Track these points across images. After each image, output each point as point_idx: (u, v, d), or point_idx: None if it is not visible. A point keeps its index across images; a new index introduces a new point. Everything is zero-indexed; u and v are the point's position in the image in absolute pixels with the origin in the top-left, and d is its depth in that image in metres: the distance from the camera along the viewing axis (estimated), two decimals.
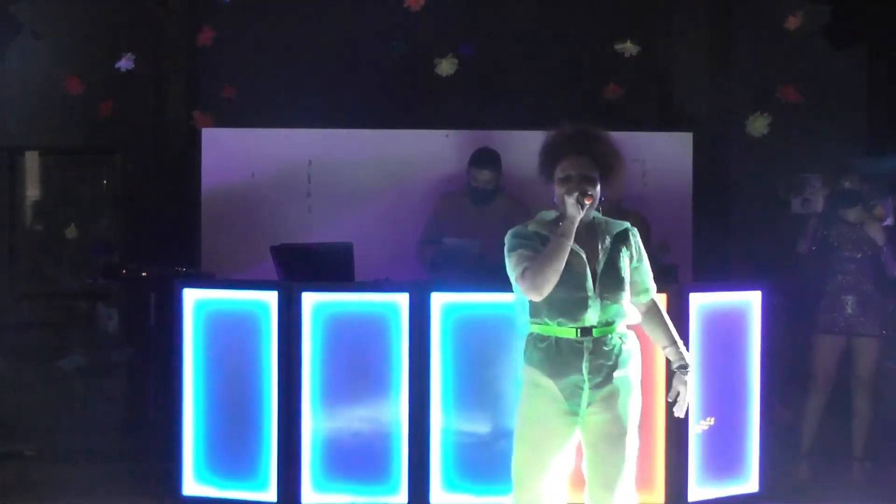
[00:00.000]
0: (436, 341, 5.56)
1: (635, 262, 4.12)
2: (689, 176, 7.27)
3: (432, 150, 7.17)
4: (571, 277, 3.95)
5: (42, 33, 7.92)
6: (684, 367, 4.14)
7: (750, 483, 5.90)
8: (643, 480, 5.59)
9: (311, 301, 5.62)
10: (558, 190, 4.00)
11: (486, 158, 6.58)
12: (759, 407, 5.90)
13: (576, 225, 3.92)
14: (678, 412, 4.16)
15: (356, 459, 5.59)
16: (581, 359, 3.95)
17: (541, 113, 7.55)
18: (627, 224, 4.14)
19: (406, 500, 5.58)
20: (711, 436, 5.75)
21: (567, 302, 3.95)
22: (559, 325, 3.96)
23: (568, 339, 3.96)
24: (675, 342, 4.19)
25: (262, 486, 5.65)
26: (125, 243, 7.99)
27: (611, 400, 3.98)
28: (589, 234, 4.04)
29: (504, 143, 6.83)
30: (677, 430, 5.62)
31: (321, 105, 7.59)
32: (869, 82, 7.98)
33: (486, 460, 5.49)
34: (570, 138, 4.04)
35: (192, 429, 5.77)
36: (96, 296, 7.92)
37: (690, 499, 5.67)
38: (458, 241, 6.18)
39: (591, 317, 3.96)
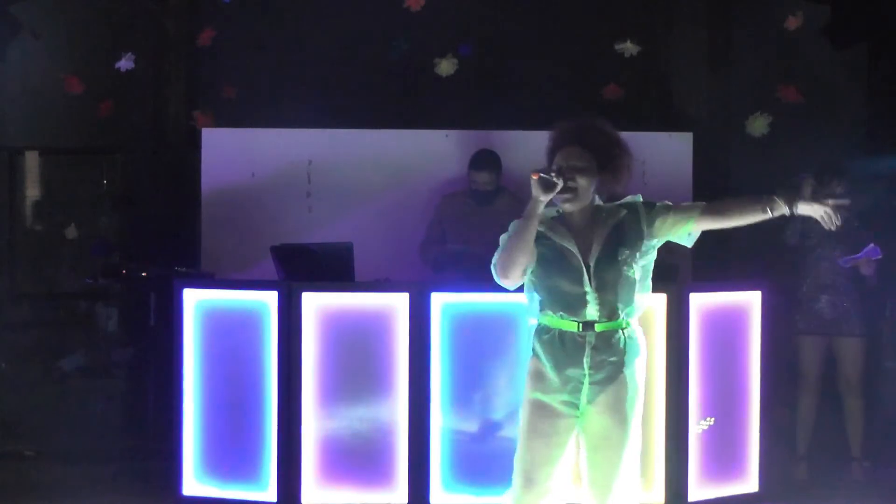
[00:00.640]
0: (436, 341, 5.56)
1: (659, 218, 3.97)
2: (689, 176, 7.27)
3: (432, 150, 7.17)
4: (569, 272, 3.92)
5: (42, 33, 7.92)
6: (792, 195, 3.99)
7: (750, 483, 5.90)
8: (642, 480, 5.60)
9: (311, 301, 5.62)
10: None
11: (484, 161, 6.59)
12: (758, 407, 5.90)
13: (538, 206, 3.83)
14: (836, 216, 3.98)
15: (356, 459, 5.59)
16: (583, 353, 3.91)
17: (541, 113, 7.53)
18: (631, 201, 4.01)
19: (406, 500, 5.58)
20: (711, 436, 5.75)
21: (567, 296, 3.93)
22: (561, 317, 3.94)
23: (570, 333, 3.93)
24: (763, 198, 4.02)
25: (262, 486, 5.65)
26: (125, 243, 7.98)
27: (613, 401, 3.93)
28: (588, 226, 3.97)
29: (504, 143, 6.83)
30: (677, 430, 5.62)
31: (321, 105, 7.59)
32: (869, 82, 7.98)
33: (486, 460, 5.49)
34: (564, 130, 4.00)
35: (192, 429, 5.77)
36: (96, 296, 7.92)
37: (690, 499, 5.67)
38: (461, 249, 6.19)
39: (592, 312, 3.92)
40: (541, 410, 3.96)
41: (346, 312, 5.67)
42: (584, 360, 3.92)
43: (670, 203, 4.05)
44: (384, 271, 6.15)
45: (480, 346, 5.57)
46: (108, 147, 8.20)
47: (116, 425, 7.35)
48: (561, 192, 3.88)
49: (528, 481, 3.94)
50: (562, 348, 3.93)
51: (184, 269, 6.59)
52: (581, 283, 3.92)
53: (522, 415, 4.01)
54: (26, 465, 6.84)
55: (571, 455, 4.00)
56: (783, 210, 4.00)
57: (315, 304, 5.63)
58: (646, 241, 4.00)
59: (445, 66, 7.21)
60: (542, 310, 4.00)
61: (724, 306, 5.88)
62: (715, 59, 7.94)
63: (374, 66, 7.76)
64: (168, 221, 7.61)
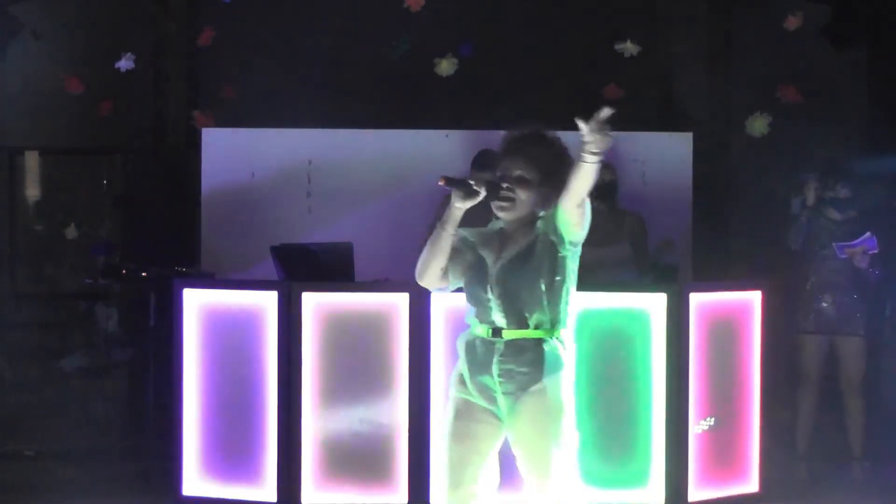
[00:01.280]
0: (436, 341, 5.56)
1: (557, 221, 3.84)
2: (689, 176, 7.26)
3: (432, 150, 7.17)
4: (479, 278, 3.91)
5: (42, 33, 7.92)
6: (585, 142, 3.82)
7: (750, 483, 5.89)
8: (643, 480, 5.60)
9: (311, 301, 5.62)
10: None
11: (486, 161, 6.58)
12: (758, 407, 5.90)
13: (454, 213, 3.83)
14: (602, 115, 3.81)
15: (356, 459, 5.59)
16: (492, 360, 3.87)
17: (541, 113, 7.53)
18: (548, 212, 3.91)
19: (406, 500, 5.58)
20: (711, 436, 5.75)
21: (478, 301, 3.92)
22: (477, 323, 3.93)
23: (482, 338, 3.91)
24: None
25: (262, 486, 5.65)
26: (125, 243, 7.98)
27: (533, 415, 3.83)
28: (515, 237, 3.93)
29: None
30: (677, 430, 5.62)
31: (321, 105, 7.59)
32: (869, 82, 7.98)
33: None
34: (512, 140, 3.98)
35: (192, 429, 5.77)
36: (96, 296, 7.92)
37: (690, 499, 5.67)
38: None
39: (498, 319, 3.88)
40: (462, 413, 3.90)
41: (346, 312, 5.67)
42: (493, 367, 3.86)
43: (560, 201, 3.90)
44: (384, 271, 6.15)
45: None
46: (108, 147, 8.20)
47: (116, 425, 7.35)
48: (498, 200, 3.87)
49: (455, 482, 3.88)
50: (474, 352, 3.91)
51: (184, 269, 6.59)
52: (485, 290, 3.89)
53: (445, 415, 3.96)
54: (26, 465, 6.84)
55: (495, 463, 3.93)
56: (584, 156, 3.82)
57: (315, 304, 5.63)
58: (559, 247, 3.88)
59: (445, 66, 7.22)
60: (468, 314, 4.01)
61: (724, 306, 5.88)
62: (715, 59, 7.94)
63: (374, 66, 7.76)
64: (168, 221, 7.61)
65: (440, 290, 4.04)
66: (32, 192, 8.41)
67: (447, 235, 3.89)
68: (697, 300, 5.71)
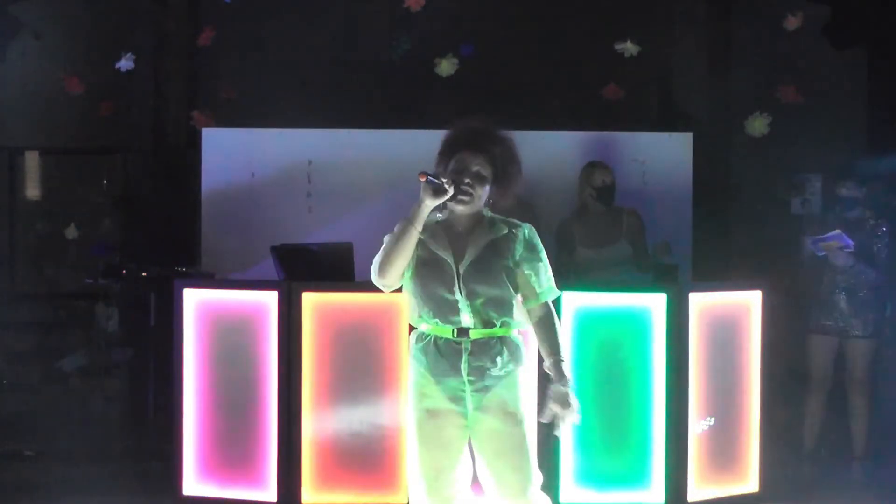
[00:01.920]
0: None
1: (521, 264, 3.92)
2: (689, 176, 7.26)
3: (432, 151, 7.12)
4: (441, 278, 3.87)
5: (42, 33, 7.92)
6: (560, 380, 3.86)
7: (750, 483, 5.90)
8: (643, 480, 5.61)
9: (311, 301, 5.62)
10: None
11: None
12: (758, 407, 5.90)
13: (423, 210, 3.82)
14: (557, 431, 3.88)
15: (356, 459, 5.59)
16: (460, 360, 3.86)
17: (541, 113, 7.55)
18: (519, 224, 3.98)
19: (406, 500, 5.57)
20: (711, 436, 5.75)
21: (439, 302, 3.88)
22: (437, 324, 3.89)
23: (446, 339, 3.88)
24: (557, 354, 3.90)
25: (262, 486, 5.65)
26: (125, 243, 7.98)
27: (501, 403, 3.86)
28: (469, 234, 3.94)
29: None
30: (677, 430, 5.62)
31: (321, 105, 7.59)
32: (869, 82, 7.98)
33: None
34: (471, 133, 3.97)
35: (192, 429, 5.77)
36: (96, 296, 7.92)
37: (690, 499, 5.67)
38: None
39: (465, 318, 3.87)
40: (429, 419, 3.89)
41: (346, 312, 5.67)
42: (462, 366, 3.85)
43: (535, 269, 3.95)
44: None
45: None
46: (108, 147, 8.20)
47: (116, 425, 7.35)
48: (457, 196, 3.86)
49: (432, 490, 3.86)
50: (438, 355, 3.88)
51: (184, 269, 6.59)
52: (452, 290, 3.87)
53: (412, 425, 3.93)
54: (26, 465, 6.83)
55: (468, 461, 3.93)
56: (550, 376, 3.89)
57: (315, 305, 5.63)
58: (512, 268, 3.93)
59: (445, 66, 7.21)
60: (418, 314, 3.96)
61: (724, 306, 5.88)
62: (715, 59, 7.93)
63: (374, 66, 7.76)
64: (168, 221, 7.61)
65: (392, 289, 3.96)
66: (32, 192, 8.41)
67: (415, 232, 3.86)
68: (697, 300, 5.72)
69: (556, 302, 4.11)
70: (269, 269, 6.09)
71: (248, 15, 7.77)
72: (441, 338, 3.89)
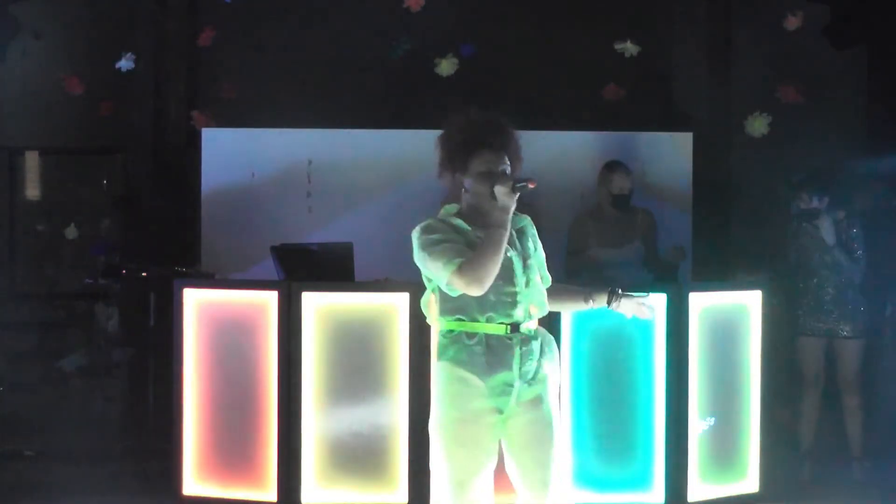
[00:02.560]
0: (436, 341, 5.54)
1: (535, 251, 4.02)
2: (689, 176, 7.26)
3: (432, 151, 7.14)
4: (501, 273, 3.84)
5: (42, 33, 7.92)
6: (616, 290, 4.05)
7: (750, 483, 5.90)
8: (643, 480, 5.61)
9: (311, 301, 5.62)
10: (476, 183, 3.90)
11: None
12: (758, 407, 5.90)
13: (510, 215, 3.82)
14: (651, 313, 4.05)
15: (356, 459, 5.59)
16: (512, 356, 3.85)
17: (541, 113, 7.55)
18: (525, 217, 4.04)
19: (406, 500, 5.58)
20: (711, 436, 5.75)
21: (499, 296, 3.85)
22: (488, 320, 3.86)
23: (498, 336, 3.85)
24: (588, 289, 4.08)
25: (262, 486, 5.65)
26: (125, 243, 7.98)
27: (536, 398, 3.88)
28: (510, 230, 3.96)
29: None
30: (677, 430, 5.62)
31: (321, 105, 7.59)
32: (869, 82, 7.98)
33: None
34: (487, 131, 3.99)
35: (192, 429, 5.77)
36: (96, 296, 7.92)
37: (690, 499, 5.67)
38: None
39: (520, 312, 3.88)
40: (464, 421, 3.86)
41: (346, 312, 5.67)
42: (514, 362, 3.85)
43: (542, 260, 4.05)
44: (384, 271, 6.14)
45: None
46: (108, 147, 8.19)
47: (116, 425, 7.35)
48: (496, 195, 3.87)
49: (461, 491, 3.84)
50: (491, 354, 3.84)
51: (184, 269, 6.59)
52: (514, 283, 3.88)
53: (444, 426, 3.89)
54: (26, 465, 6.83)
55: (495, 459, 3.93)
56: (601, 304, 4.05)
57: (315, 304, 5.63)
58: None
59: (445, 66, 7.22)
60: (462, 314, 3.88)
61: (724, 306, 5.88)
62: (715, 59, 7.93)
63: (374, 66, 7.76)
64: (168, 221, 7.61)
65: (478, 293, 3.87)
66: (32, 192, 8.40)
67: (506, 237, 3.82)
68: (697, 300, 5.71)
69: None
70: (269, 269, 6.09)
71: (248, 15, 7.77)
72: (493, 335, 3.86)
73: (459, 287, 3.80)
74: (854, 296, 6.42)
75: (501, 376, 3.85)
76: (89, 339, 8.03)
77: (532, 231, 4.04)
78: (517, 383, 3.85)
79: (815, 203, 6.38)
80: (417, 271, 6.64)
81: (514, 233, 3.95)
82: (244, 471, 5.70)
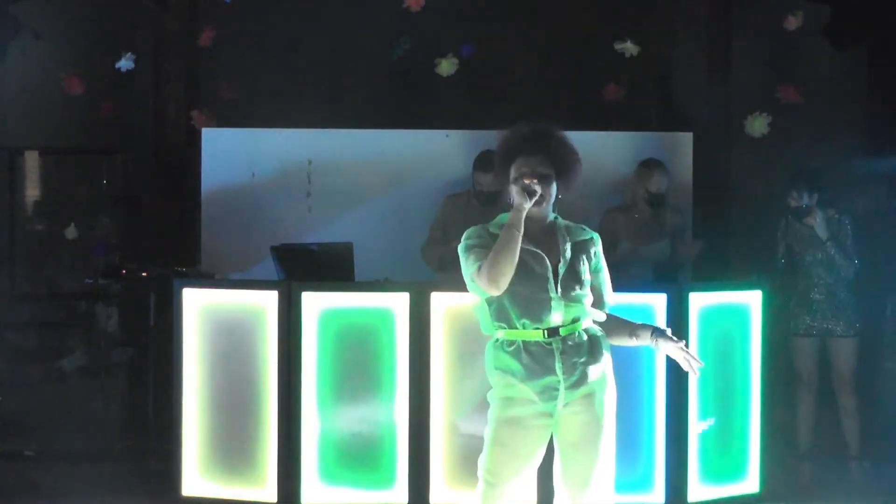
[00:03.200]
0: (436, 341, 5.56)
1: (597, 271, 4.07)
2: (689, 176, 7.26)
3: (432, 151, 7.17)
4: (533, 278, 3.91)
5: (42, 33, 7.92)
6: (660, 330, 4.05)
7: (750, 483, 5.90)
8: (643, 480, 5.61)
9: (311, 301, 5.62)
10: (512, 191, 3.95)
11: (487, 162, 6.58)
12: (758, 407, 5.90)
13: (523, 214, 3.85)
14: (696, 366, 4.02)
15: (356, 459, 5.60)
16: (553, 359, 3.90)
17: (541, 113, 7.53)
18: (592, 233, 4.11)
19: (406, 500, 5.58)
20: (711, 436, 5.75)
21: (531, 302, 3.91)
22: (524, 326, 3.91)
23: (536, 342, 3.91)
24: (636, 324, 4.09)
25: (262, 486, 5.65)
26: (125, 243, 7.98)
27: (588, 399, 3.94)
28: (548, 235, 4.00)
29: None
30: (677, 430, 5.62)
31: (321, 105, 7.59)
32: (869, 82, 7.98)
33: None
34: (524, 138, 4.00)
35: (192, 429, 5.77)
36: (96, 296, 7.92)
37: (690, 499, 5.67)
38: None
39: (556, 318, 3.91)
40: (512, 426, 3.92)
41: (346, 312, 5.67)
42: (556, 366, 3.90)
43: (604, 277, 4.12)
44: (384, 271, 6.15)
45: (481, 346, 5.54)
46: (108, 147, 8.19)
47: (116, 425, 7.35)
48: (537, 197, 3.90)
49: (494, 487, 3.93)
50: (531, 359, 3.90)
51: (184, 269, 6.59)
52: (546, 289, 3.91)
53: (492, 426, 3.96)
54: (26, 465, 6.83)
55: (539, 460, 3.99)
56: (647, 342, 4.05)
57: (315, 304, 5.63)
58: (591, 272, 4.06)
59: (445, 66, 7.21)
60: (502, 321, 3.95)
61: (724, 306, 5.88)
62: (715, 59, 7.92)
63: (374, 66, 7.76)
64: (168, 221, 7.61)
65: (496, 293, 3.94)
66: (32, 192, 8.41)
67: (519, 237, 3.86)
68: (697, 300, 5.71)
69: None
70: (269, 269, 6.09)
71: (248, 15, 7.77)
72: (530, 341, 3.92)
73: (481, 287, 3.92)
74: (847, 295, 6.41)
75: (545, 381, 3.90)
76: (89, 339, 8.03)
77: (594, 249, 4.07)
78: (562, 386, 3.90)
79: (805, 200, 6.38)
80: (417, 271, 6.69)
81: (560, 240, 3.99)
82: (244, 471, 5.69)
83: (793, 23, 7.06)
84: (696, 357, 4.01)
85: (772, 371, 6.01)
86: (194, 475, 5.77)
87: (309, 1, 7.96)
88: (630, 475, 5.60)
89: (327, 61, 7.86)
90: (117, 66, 7.25)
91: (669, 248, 6.48)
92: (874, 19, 7.48)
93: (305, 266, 5.82)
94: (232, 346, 5.75)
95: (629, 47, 7.21)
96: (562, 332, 3.92)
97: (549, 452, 4.03)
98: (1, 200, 8.26)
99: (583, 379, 3.92)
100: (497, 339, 4.00)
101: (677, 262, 6.52)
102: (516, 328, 3.93)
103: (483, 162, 6.59)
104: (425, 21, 7.21)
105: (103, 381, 7.77)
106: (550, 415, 3.92)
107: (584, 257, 4.02)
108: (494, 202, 6.56)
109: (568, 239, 4.01)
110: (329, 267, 5.84)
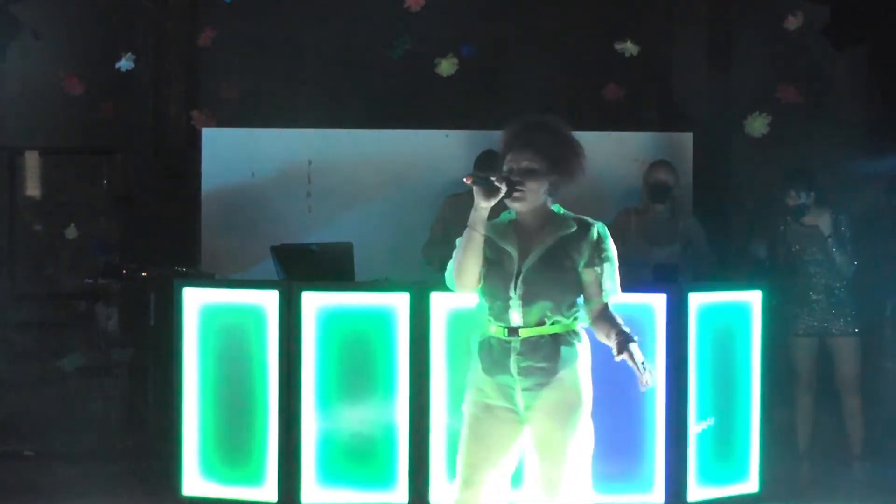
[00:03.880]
0: (436, 341, 5.56)
1: (590, 264, 3.91)
2: (690, 176, 7.27)
3: (432, 150, 7.17)
4: (501, 276, 3.88)
5: (42, 33, 7.91)
6: (630, 338, 3.84)
7: (750, 483, 5.90)
8: (643, 480, 5.61)
9: (311, 301, 5.62)
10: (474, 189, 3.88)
11: (488, 162, 6.58)
12: (758, 407, 5.90)
13: (481, 213, 3.81)
14: (649, 382, 3.81)
15: (356, 459, 5.60)
16: (509, 359, 3.87)
17: (541, 113, 7.54)
18: (591, 223, 3.97)
19: (406, 500, 5.58)
20: (711, 436, 5.74)
21: (495, 300, 3.90)
22: (491, 322, 3.91)
23: (499, 338, 3.90)
24: (625, 333, 3.85)
25: (262, 486, 5.65)
26: (125, 243, 7.98)
27: (552, 406, 3.86)
28: (537, 231, 3.94)
29: None
30: (677, 430, 5.62)
31: (321, 105, 7.59)
32: (869, 82, 7.98)
33: None
34: (515, 132, 3.96)
35: (192, 429, 5.77)
36: (96, 296, 7.92)
37: (690, 499, 5.67)
38: None
39: (515, 317, 3.87)
40: (483, 414, 3.91)
41: (346, 312, 5.67)
42: (511, 366, 3.87)
43: (602, 269, 3.93)
44: (384, 271, 6.15)
45: None
46: (108, 147, 8.19)
47: (116, 425, 7.35)
48: (510, 195, 3.85)
49: (469, 481, 3.90)
50: (490, 353, 3.90)
51: (184, 269, 6.59)
52: (507, 288, 3.88)
53: (465, 416, 3.97)
54: (26, 465, 6.83)
55: (515, 456, 3.95)
56: (615, 351, 3.86)
57: (315, 304, 5.63)
58: (577, 268, 3.93)
59: (446, 66, 7.22)
60: (480, 313, 3.98)
61: (724, 306, 5.88)
62: (715, 59, 7.93)
63: (374, 66, 7.76)
64: (168, 221, 7.61)
65: (472, 291, 3.96)
66: (32, 192, 8.40)
67: (479, 237, 3.85)
68: (697, 300, 5.71)
69: None
70: (269, 269, 6.09)
71: (248, 15, 7.77)
72: (494, 337, 3.91)
73: (453, 289, 3.97)
74: (846, 294, 6.41)
75: (500, 378, 3.89)
76: (89, 339, 8.03)
77: (585, 242, 3.91)
78: (518, 387, 3.87)
79: (802, 199, 6.39)
80: (417, 271, 6.69)
81: (544, 237, 3.91)
82: (244, 471, 5.69)
83: (793, 23, 7.06)
84: (647, 381, 3.81)
85: (772, 371, 6.01)
86: (194, 475, 5.77)
87: (309, 1, 7.96)
88: (630, 475, 5.60)
89: (327, 61, 7.86)
90: (117, 66, 7.26)
91: (679, 252, 6.47)
92: (874, 19, 7.48)
93: (305, 266, 5.82)
94: (232, 345, 5.74)
95: (629, 47, 7.22)
96: (522, 332, 3.87)
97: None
98: (1, 200, 8.26)
99: (542, 383, 3.86)
100: (479, 330, 4.00)
101: (693, 267, 6.49)
102: (488, 322, 3.93)
103: (484, 162, 6.60)
104: (425, 21, 7.21)
105: (103, 381, 7.77)
106: (515, 412, 3.89)
107: (568, 253, 3.90)
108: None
109: (553, 235, 3.92)
110: (329, 267, 5.84)
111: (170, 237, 7.46)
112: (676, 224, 6.54)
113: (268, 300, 5.66)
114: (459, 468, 3.94)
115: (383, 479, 5.58)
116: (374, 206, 7.10)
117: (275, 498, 5.62)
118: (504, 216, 4.01)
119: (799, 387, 6.53)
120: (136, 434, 7.00)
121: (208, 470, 5.75)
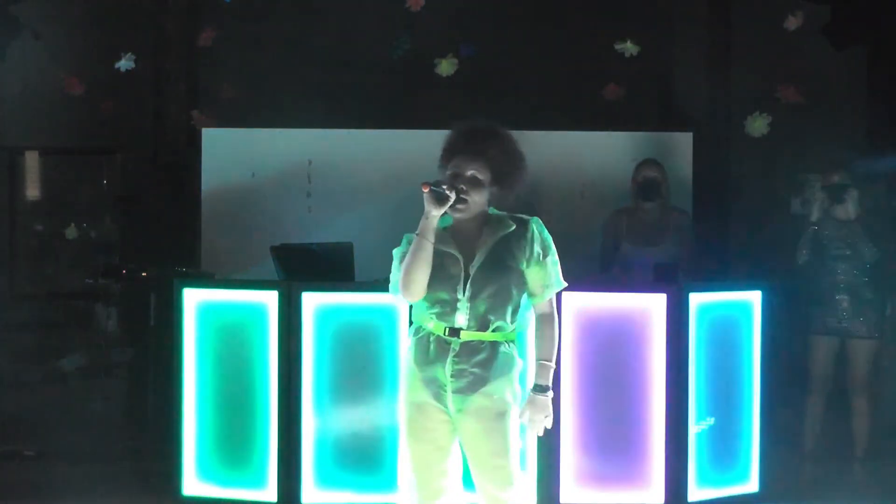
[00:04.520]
0: None
1: (532, 261, 3.90)
2: (689, 176, 7.27)
3: (432, 150, 7.12)
4: (447, 279, 3.87)
5: (42, 33, 7.92)
6: (542, 388, 3.90)
7: (750, 483, 5.89)
8: (643, 480, 5.61)
9: (311, 301, 5.62)
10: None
11: None
12: (758, 407, 5.90)
13: (431, 221, 3.82)
14: (536, 432, 3.93)
15: (356, 459, 5.59)
16: (445, 358, 3.87)
17: (541, 113, 7.56)
18: (526, 219, 3.96)
19: None
20: (711, 436, 5.74)
21: (440, 301, 3.88)
22: (432, 320, 3.90)
23: (438, 336, 3.89)
24: (548, 359, 3.93)
25: (262, 486, 5.65)
26: (125, 243, 7.99)
27: (481, 411, 3.85)
28: (475, 235, 3.93)
29: None
30: (677, 430, 5.61)
31: (321, 105, 7.60)
32: (869, 82, 7.98)
33: None
34: (465, 136, 3.96)
35: (192, 429, 5.77)
36: (96, 296, 7.93)
37: (690, 499, 5.66)
38: None
39: (460, 319, 3.86)
40: (417, 412, 3.90)
41: (347, 312, 5.67)
42: (446, 366, 3.86)
43: (545, 263, 3.92)
44: (384, 271, 6.13)
45: None
46: (108, 147, 8.20)
47: (116, 425, 7.35)
48: (453, 203, 3.84)
49: (423, 480, 3.89)
50: (427, 351, 3.89)
51: (184, 269, 6.59)
52: (455, 290, 3.87)
53: (401, 417, 3.95)
54: (26, 465, 6.83)
55: (457, 457, 3.95)
56: (529, 384, 3.95)
57: (315, 304, 5.63)
58: (521, 267, 3.92)
59: (445, 66, 7.22)
60: (418, 310, 3.95)
61: (724, 306, 5.88)
62: (715, 59, 7.94)
63: (374, 66, 7.77)
64: (168, 221, 7.62)
65: (418, 299, 3.93)
66: (32, 192, 8.41)
67: (429, 245, 3.85)
68: (697, 300, 5.71)
69: (557, 301, 4.10)
70: (269, 269, 6.09)
71: (248, 15, 7.78)
72: (434, 334, 3.90)
73: (400, 298, 3.95)
74: (872, 296, 6.41)
75: (433, 375, 3.88)
76: (89, 339, 8.04)
77: (524, 239, 3.91)
78: (448, 388, 3.86)
79: (836, 179, 6.35)
80: None
81: (484, 239, 3.90)
82: (244, 471, 5.69)
83: (793, 23, 7.06)
84: (537, 428, 3.91)
85: (772, 371, 6.01)
86: (194, 475, 5.77)
87: (309, 1, 7.97)
88: (630, 475, 5.60)
89: (327, 61, 7.87)
90: (117, 66, 7.26)
91: (673, 251, 6.46)
92: (874, 19, 7.49)
93: (305, 266, 5.82)
94: (232, 345, 5.74)
95: (629, 47, 7.22)
96: (463, 335, 3.86)
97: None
98: (1, 200, 8.26)
99: (473, 388, 3.85)
100: (414, 325, 3.98)
101: (683, 265, 6.49)
102: (428, 318, 3.90)
103: None
104: (425, 21, 7.21)
105: (103, 381, 7.77)
106: (445, 412, 3.89)
107: (511, 252, 3.90)
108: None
109: (492, 237, 3.91)
110: (329, 267, 5.84)
111: (170, 237, 7.46)
112: (668, 221, 6.53)
113: (268, 300, 5.66)
114: (407, 470, 3.91)
115: (383, 480, 5.57)
116: (374, 206, 7.10)
117: (274, 498, 5.61)
118: (439, 223, 3.95)
119: (811, 386, 6.53)
120: (136, 434, 7.00)
121: (208, 470, 5.75)
